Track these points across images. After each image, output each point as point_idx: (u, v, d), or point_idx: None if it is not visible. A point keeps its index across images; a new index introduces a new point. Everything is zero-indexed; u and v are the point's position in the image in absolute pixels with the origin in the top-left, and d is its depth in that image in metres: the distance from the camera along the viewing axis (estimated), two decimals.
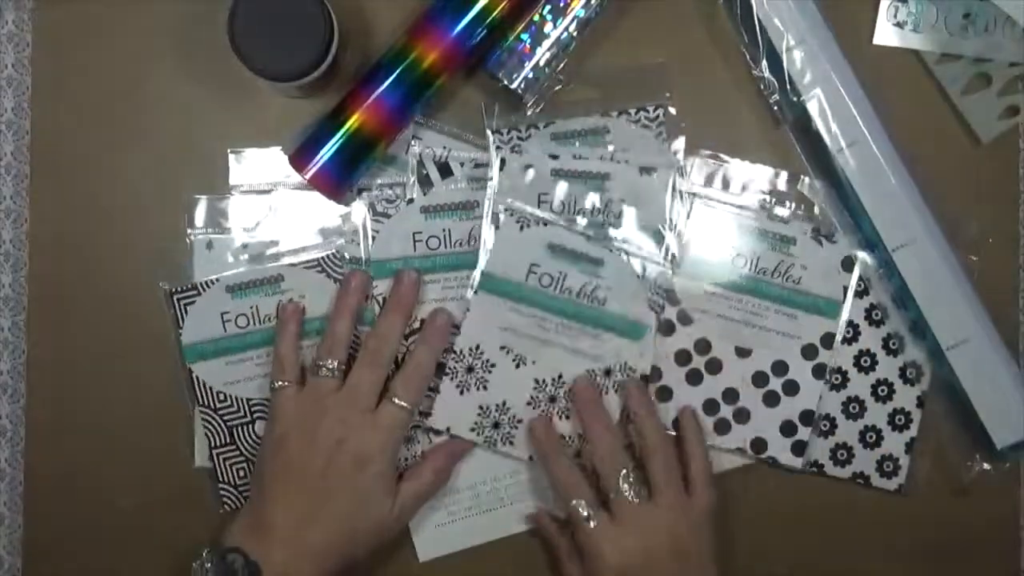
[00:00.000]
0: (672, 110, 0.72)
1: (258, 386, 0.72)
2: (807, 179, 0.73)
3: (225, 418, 0.72)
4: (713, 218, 0.73)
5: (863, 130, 0.70)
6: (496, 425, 0.72)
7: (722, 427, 0.73)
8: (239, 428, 0.72)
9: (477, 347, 0.71)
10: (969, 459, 0.72)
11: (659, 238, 0.71)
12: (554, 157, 0.72)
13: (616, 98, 0.72)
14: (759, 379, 0.73)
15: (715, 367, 0.73)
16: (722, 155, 0.73)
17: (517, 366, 0.72)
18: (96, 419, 0.73)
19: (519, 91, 0.70)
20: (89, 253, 0.73)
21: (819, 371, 0.73)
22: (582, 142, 0.72)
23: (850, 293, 0.73)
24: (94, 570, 0.73)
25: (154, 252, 0.73)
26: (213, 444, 0.72)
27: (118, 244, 0.73)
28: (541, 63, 0.70)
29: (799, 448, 0.73)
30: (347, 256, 0.72)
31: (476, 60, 0.70)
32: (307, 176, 0.68)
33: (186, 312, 0.71)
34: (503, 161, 0.71)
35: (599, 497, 0.68)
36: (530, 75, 0.70)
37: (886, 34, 0.73)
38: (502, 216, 0.71)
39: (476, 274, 0.71)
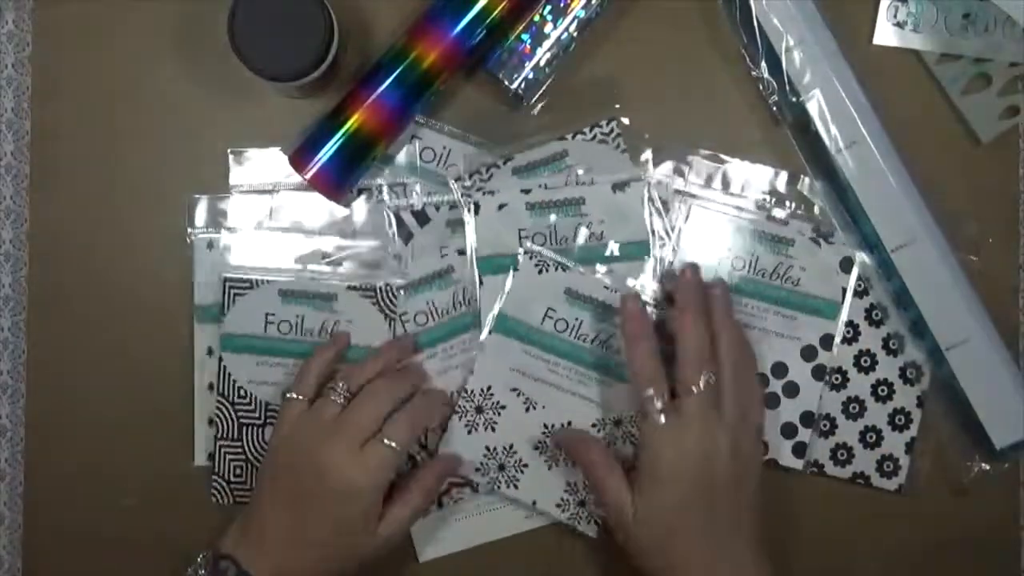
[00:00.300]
0: (626, 120, 0.72)
1: (280, 393, 0.72)
2: (806, 179, 0.73)
3: (239, 413, 0.72)
4: (711, 221, 0.73)
5: (862, 131, 0.70)
6: (502, 467, 0.72)
7: None
8: (249, 428, 0.72)
9: (488, 388, 0.71)
10: (969, 459, 0.72)
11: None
12: (525, 191, 0.71)
13: (568, 120, 0.72)
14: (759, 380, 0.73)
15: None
16: (722, 155, 0.73)
17: (527, 409, 0.71)
18: (96, 419, 0.73)
19: (519, 91, 0.70)
20: (89, 253, 0.73)
21: (819, 372, 0.72)
22: (544, 170, 0.72)
23: (849, 294, 0.73)
24: (94, 570, 0.73)
25: (154, 252, 0.73)
26: (219, 434, 0.72)
27: (118, 244, 0.73)
28: (541, 63, 0.70)
29: (800, 449, 0.73)
30: (403, 293, 0.72)
31: (476, 60, 0.70)
32: (307, 176, 0.68)
33: (234, 302, 0.71)
34: (476, 206, 0.71)
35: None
36: (530, 75, 0.70)
37: (886, 34, 0.73)
38: (521, 258, 0.71)
39: (489, 317, 0.71)
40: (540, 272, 0.71)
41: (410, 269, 0.72)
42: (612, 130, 0.72)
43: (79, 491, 0.73)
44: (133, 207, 0.73)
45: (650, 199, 0.72)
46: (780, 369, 0.73)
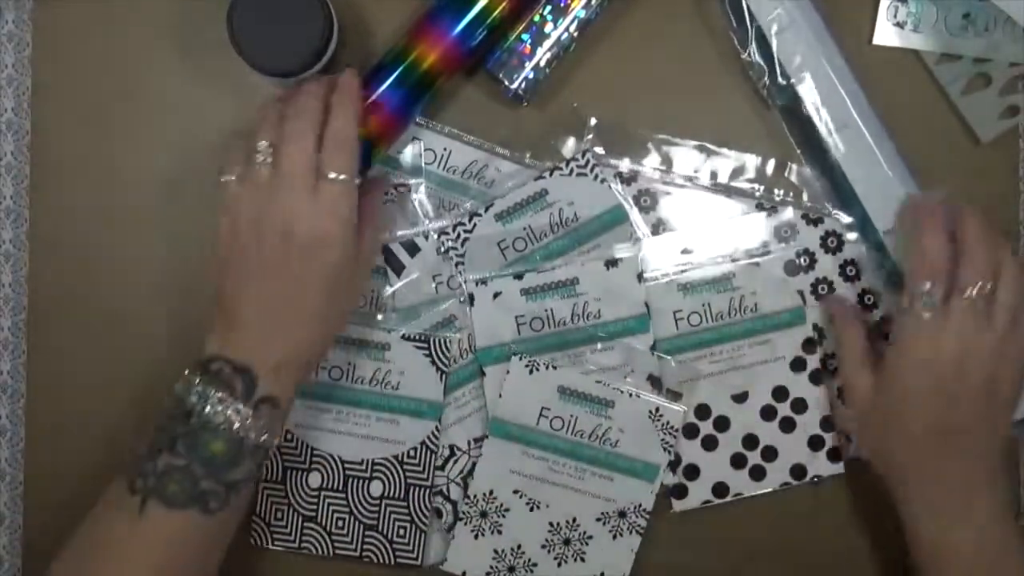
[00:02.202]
0: (599, 150, 0.72)
1: (327, 439, 0.71)
2: (794, 166, 0.73)
3: (284, 457, 0.71)
4: (659, 292, 0.72)
5: (853, 113, 0.70)
6: (511, 569, 0.72)
7: (758, 473, 0.72)
8: (293, 472, 0.71)
9: (490, 492, 0.71)
10: None
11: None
12: (518, 277, 0.71)
13: (543, 157, 0.72)
14: (767, 413, 0.72)
15: (723, 424, 0.72)
16: (709, 144, 0.73)
17: (531, 509, 0.72)
18: (96, 420, 0.73)
19: (519, 91, 0.70)
20: (89, 253, 0.73)
21: (815, 377, 0.72)
22: (527, 211, 0.72)
23: (807, 292, 0.72)
24: None
25: (153, 252, 0.73)
26: (262, 476, 0.71)
27: (118, 244, 0.73)
28: (542, 63, 0.70)
29: (834, 454, 0.72)
30: (457, 347, 0.72)
31: (477, 60, 0.70)
32: None
33: None
34: (471, 297, 0.71)
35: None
36: (530, 75, 0.70)
37: (886, 34, 0.73)
38: (513, 360, 0.71)
39: (490, 413, 0.71)
40: (531, 372, 0.71)
41: (399, 299, 0.72)
42: (588, 161, 0.72)
43: (79, 491, 0.73)
44: (133, 207, 0.73)
45: (641, 275, 0.71)
46: (781, 392, 0.72)
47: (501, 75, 0.70)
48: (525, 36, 0.70)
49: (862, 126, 0.70)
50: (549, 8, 0.70)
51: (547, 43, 0.70)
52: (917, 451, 0.66)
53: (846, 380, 0.70)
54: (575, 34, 0.71)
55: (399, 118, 0.69)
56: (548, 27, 0.70)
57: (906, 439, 0.66)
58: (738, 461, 0.72)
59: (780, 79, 0.70)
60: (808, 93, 0.70)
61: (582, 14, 0.70)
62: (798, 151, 0.73)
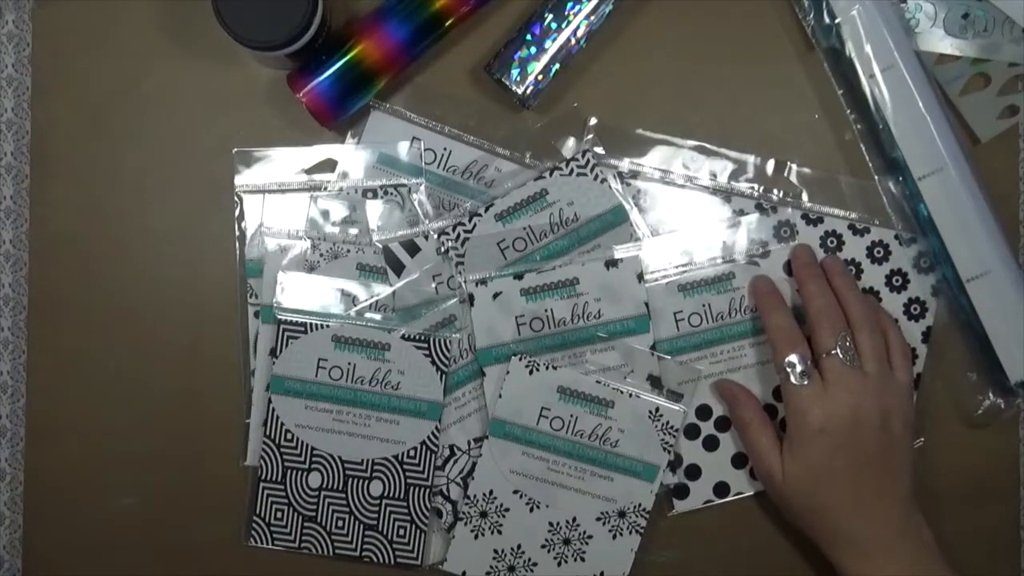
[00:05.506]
0: (599, 150, 0.72)
1: (327, 439, 0.71)
2: (793, 166, 0.73)
3: (284, 457, 0.71)
4: (659, 292, 0.72)
5: (896, 56, 0.70)
6: (511, 569, 0.72)
7: None
8: (293, 472, 0.71)
9: (490, 492, 0.71)
10: (981, 394, 0.73)
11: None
12: (518, 277, 0.71)
13: (543, 157, 0.73)
14: (768, 413, 0.72)
15: (724, 424, 0.73)
16: (707, 144, 0.73)
17: (531, 510, 0.72)
18: (96, 419, 0.73)
19: (525, 97, 0.70)
20: (89, 253, 0.73)
21: None
22: (527, 211, 0.72)
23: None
24: (94, 570, 0.73)
25: (153, 252, 0.73)
26: (262, 476, 0.71)
27: (118, 244, 0.73)
28: (550, 72, 0.70)
29: None
30: (457, 347, 0.72)
31: (486, 4, 0.70)
32: (301, 97, 0.68)
33: (287, 344, 0.71)
34: (471, 297, 0.71)
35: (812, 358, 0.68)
36: (536, 79, 0.70)
37: None
38: (513, 360, 0.71)
39: (489, 412, 0.72)
40: (531, 372, 0.71)
41: (399, 299, 0.72)
42: (588, 161, 0.72)
43: (79, 491, 0.73)
44: (133, 207, 0.73)
45: (642, 275, 0.72)
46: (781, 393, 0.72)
47: (506, 80, 0.70)
48: (530, 38, 0.70)
49: (904, 69, 0.70)
50: (554, 15, 0.70)
51: (552, 49, 0.70)
52: (829, 505, 0.67)
53: (758, 469, 0.70)
54: (583, 43, 0.70)
55: (402, 53, 0.69)
56: (553, 34, 0.70)
57: (818, 501, 0.67)
58: (739, 461, 0.73)
59: (826, 18, 0.70)
60: (852, 33, 0.70)
61: (587, 21, 0.70)
62: (838, 93, 0.72)
